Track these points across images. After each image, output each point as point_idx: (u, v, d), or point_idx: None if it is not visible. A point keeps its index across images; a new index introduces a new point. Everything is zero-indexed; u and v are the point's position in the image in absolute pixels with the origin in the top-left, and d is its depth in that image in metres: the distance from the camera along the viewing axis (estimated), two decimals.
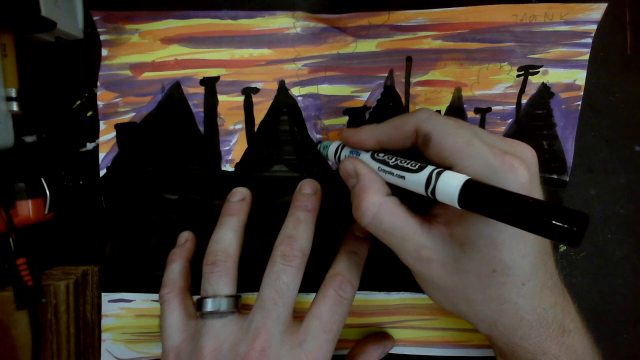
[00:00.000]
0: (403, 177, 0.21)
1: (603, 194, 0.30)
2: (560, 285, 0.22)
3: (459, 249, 0.21)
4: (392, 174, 0.22)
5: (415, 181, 0.20)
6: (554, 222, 0.15)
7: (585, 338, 0.22)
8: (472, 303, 0.21)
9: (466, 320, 0.23)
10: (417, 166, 0.20)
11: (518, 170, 0.19)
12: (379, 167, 0.23)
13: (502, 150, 0.19)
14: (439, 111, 0.28)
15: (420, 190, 0.20)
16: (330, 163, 0.29)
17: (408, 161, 0.21)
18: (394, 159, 0.22)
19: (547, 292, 0.21)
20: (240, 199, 0.28)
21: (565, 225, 0.15)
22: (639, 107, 0.29)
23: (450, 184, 0.18)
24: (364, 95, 0.29)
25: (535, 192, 0.20)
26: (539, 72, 0.28)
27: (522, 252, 0.20)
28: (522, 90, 0.28)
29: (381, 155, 0.23)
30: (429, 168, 0.20)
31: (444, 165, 0.20)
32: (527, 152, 0.21)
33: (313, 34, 0.28)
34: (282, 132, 0.29)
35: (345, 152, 0.25)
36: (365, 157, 0.24)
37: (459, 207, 0.18)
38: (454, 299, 0.22)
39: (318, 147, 0.29)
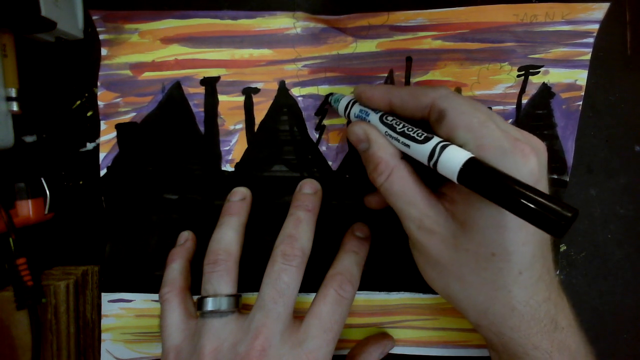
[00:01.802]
0: (408, 146, 0.21)
1: (603, 194, 0.30)
2: (557, 282, 0.22)
3: (460, 227, 0.21)
4: (397, 140, 0.22)
5: (420, 151, 0.20)
6: (543, 211, 0.15)
7: (578, 336, 0.22)
8: (466, 285, 0.21)
9: (455, 306, 0.23)
10: (423, 137, 0.20)
11: (529, 157, 0.19)
12: (385, 132, 0.23)
13: (514, 137, 0.20)
14: None
15: (424, 161, 0.20)
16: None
17: (415, 130, 0.21)
18: (401, 125, 0.22)
19: (542, 285, 0.21)
20: (241, 199, 0.28)
21: (553, 217, 0.15)
22: (639, 107, 0.29)
23: (453, 159, 0.19)
24: None
25: (542, 182, 0.20)
26: (539, 72, 0.28)
27: (523, 240, 0.20)
28: (522, 91, 0.28)
29: (390, 119, 0.23)
30: (435, 140, 0.20)
31: (454, 143, 0.20)
32: (538, 143, 0.21)
33: (313, 34, 0.28)
34: (282, 132, 0.29)
35: (355, 109, 0.25)
36: (374, 118, 0.23)
37: (457, 183, 0.18)
38: (448, 278, 0.22)
39: (329, 100, 0.28)
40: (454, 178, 0.18)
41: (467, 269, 0.21)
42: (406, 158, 0.22)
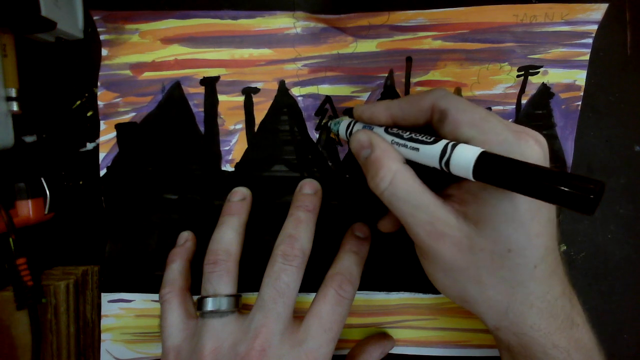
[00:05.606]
0: (417, 149, 0.21)
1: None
2: (568, 278, 0.22)
3: (473, 227, 0.20)
4: (405, 146, 0.21)
5: (430, 153, 0.20)
6: (569, 190, 0.15)
7: (592, 333, 0.22)
8: (484, 287, 0.21)
9: (472, 310, 0.22)
10: (432, 139, 0.20)
11: (534, 147, 0.19)
12: (392, 140, 0.22)
13: (516, 130, 0.20)
14: None
15: (434, 162, 0.20)
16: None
17: (423, 135, 0.21)
18: (408, 133, 0.22)
19: (556, 279, 0.21)
20: (241, 199, 0.28)
21: (581, 193, 0.15)
22: (639, 107, 0.29)
23: (465, 155, 0.18)
24: (364, 95, 0.29)
25: None
26: (539, 72, 0.28)
27: (536, 232, 0.20)
28: (522, 91, 0.28)
29: (395, 129, 0.23)
30: (444, 141, 0.20)
31: (459, 141, 0.20)
32: (539, 136, 0.21)
33: (313, 34, 0.28)
34: (282, 132, 0.29)
35: (358, 127, 0.25)
36: (379, 130, 0.23)
37: (473, 179, 0.18)
38: (464, 282, 0.21)
39: (328, 124, 0.28)
40: (469, 174, 0.18)
41: (484, 269, 0.20)
42: (409, 164, 0.22)
